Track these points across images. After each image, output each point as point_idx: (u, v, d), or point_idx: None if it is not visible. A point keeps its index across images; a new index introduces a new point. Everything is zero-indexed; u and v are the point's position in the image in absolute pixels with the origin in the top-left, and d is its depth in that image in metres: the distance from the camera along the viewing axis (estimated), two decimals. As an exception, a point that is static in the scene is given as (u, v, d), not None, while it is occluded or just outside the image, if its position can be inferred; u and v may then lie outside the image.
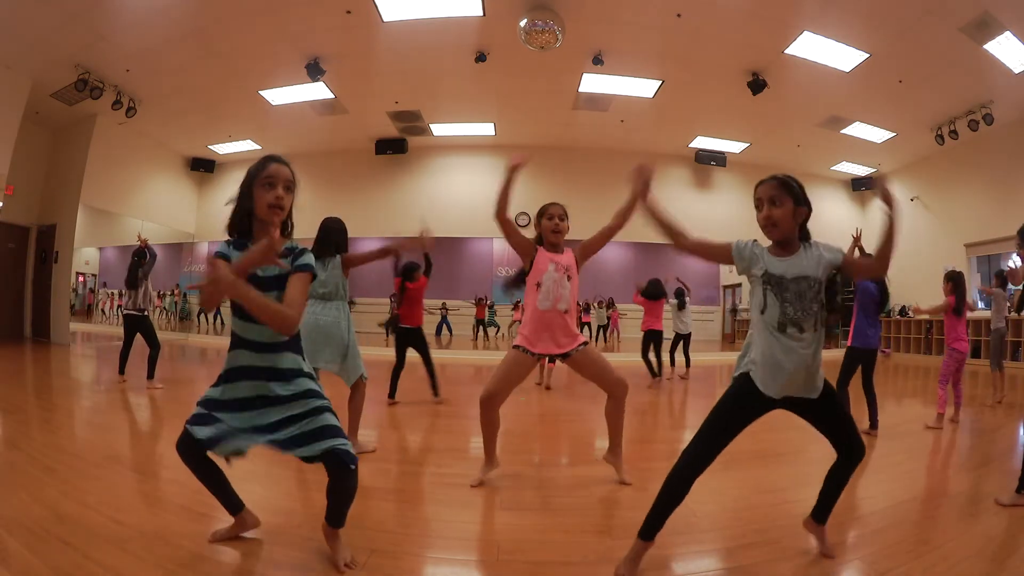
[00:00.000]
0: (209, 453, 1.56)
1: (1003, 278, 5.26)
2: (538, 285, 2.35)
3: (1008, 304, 5.16)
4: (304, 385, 1.57)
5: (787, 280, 1.54)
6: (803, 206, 1.58)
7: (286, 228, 1.59)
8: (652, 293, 5.98)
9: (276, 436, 1.52)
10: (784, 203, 1.55)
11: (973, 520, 2.06)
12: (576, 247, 2.49)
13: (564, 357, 2.36)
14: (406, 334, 4.64)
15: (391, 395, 4.48)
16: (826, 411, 1.61)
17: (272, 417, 1.52)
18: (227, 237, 1.58)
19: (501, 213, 2.39)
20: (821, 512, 1.70)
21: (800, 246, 1.59)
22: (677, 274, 6.68)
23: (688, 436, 1.66)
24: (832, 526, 1.97)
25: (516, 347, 2.36)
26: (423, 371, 4.71)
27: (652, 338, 5.91)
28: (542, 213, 2.51)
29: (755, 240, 1.63)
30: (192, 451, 1.55)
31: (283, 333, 1.48)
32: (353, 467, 1.49)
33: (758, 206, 1.60)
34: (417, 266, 4.71)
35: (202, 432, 1.52)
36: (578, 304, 2.51)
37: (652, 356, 5.94)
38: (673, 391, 5.75)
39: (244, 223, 1.55)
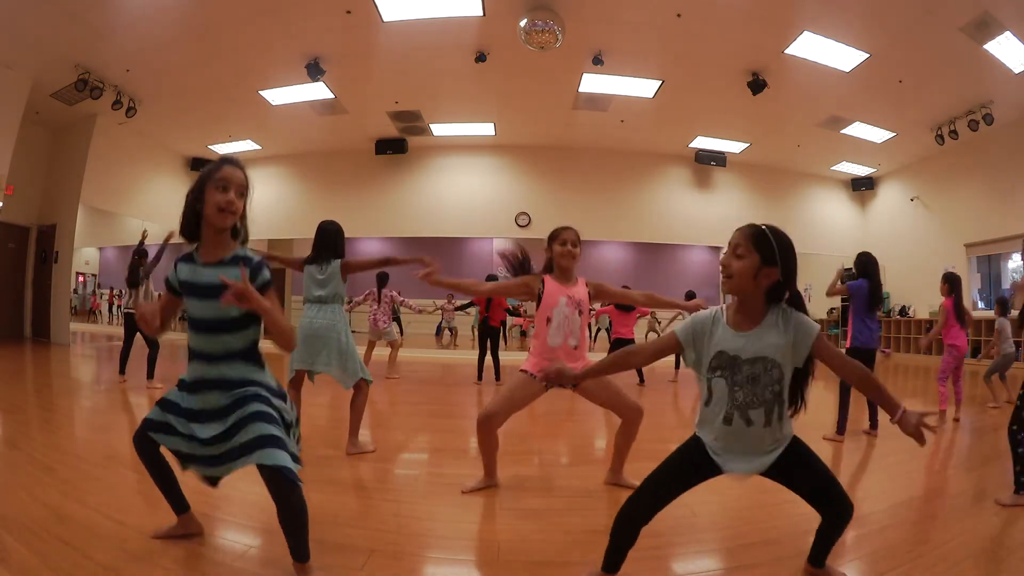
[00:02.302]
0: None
1: (1004, 305, 5.20)
2: (548, 320, 2.28)
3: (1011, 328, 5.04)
4: (248, 391, 1.47)
5: (740, 361, 1.37)
6: (772, 267, 1.36)
7: (237, 234, 1.55)
8: (627, 304, 5.84)
9: (210, 451, 1.47)
10: (747, 256, 1.37)
11: (973, 520, 2.06)
12: (593, 284, 2.42)
13: (574, 385, 2.28)
14: (489, 330, 5.87)
15: (479, 378, 5.82)
16: (793, 474, 1.43)
17: (212, 431, 1.47)
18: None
19: (478, 293, 2.37)
20: (817, 559, 1.57)
21: (765, 316, 1.39)
22: (676, 273, 6.67)
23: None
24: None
25: (524, 371, 2.30)
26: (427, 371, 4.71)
27: (624, 346, 5.81)
28: (554, 237, 2.41)
29: (720, 308, 1.47)
30: (145, 447, 1.58)
31: (287, 350, 1.54)
32: (292, 481, 1.37)
33: (727, 251, 1.45)
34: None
35: (153, 422, 1.56)
36: (588, 336, 2.45)
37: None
38: (678, 394, 5.75)
39: (192, 224, 1.51)
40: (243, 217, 1.55)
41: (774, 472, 1.43)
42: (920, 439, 1.30)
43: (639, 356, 1.59)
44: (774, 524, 1.88)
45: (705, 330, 1.43)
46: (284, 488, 1.37)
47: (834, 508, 1.42)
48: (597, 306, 8.70)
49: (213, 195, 1.46)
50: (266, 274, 1.49)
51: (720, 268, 1.46)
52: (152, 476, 1.62)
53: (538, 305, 2.33)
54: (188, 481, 1.94)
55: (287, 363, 2.91)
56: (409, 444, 3.37)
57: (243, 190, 1.51)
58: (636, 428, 2.36)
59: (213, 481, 1.56)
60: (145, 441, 1.57)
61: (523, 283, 2.38)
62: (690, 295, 6.61)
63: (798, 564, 1.66)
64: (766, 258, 1.36)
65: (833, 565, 1.65)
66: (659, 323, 8.58)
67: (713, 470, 1.44)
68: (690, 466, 1.46)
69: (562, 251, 2.35)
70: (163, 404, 1.56)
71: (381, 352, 6.30)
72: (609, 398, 2.34)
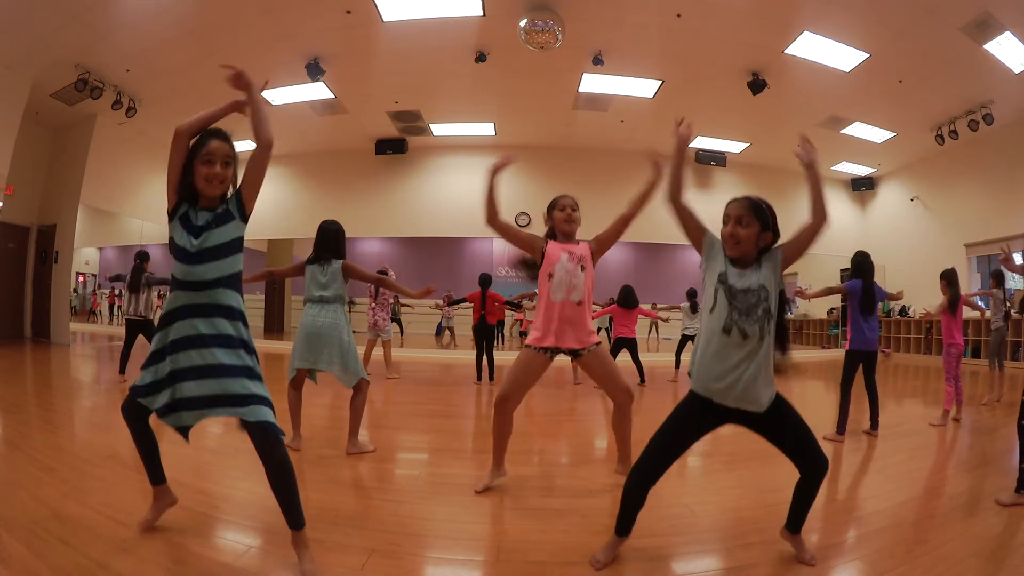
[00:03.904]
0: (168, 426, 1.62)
1: (999, 277, 5.32)
2: (550, 276, 2.28)
3: (1008, 304, 5.18)
4: (242, 333, 1.59)
5: (736, 290, 1.59)
6: (769, 231, 1.63)
7: (225, 199, 1.66)
8: (629, 302, 5.82)
9: (207, 390, 1.52)
10: (751, 225, 1.61)
11: (973, 520, 2.06)
12: (592, 240, 2.44)
13: (575, 356, 2.31)
14: (485, 330, 5.90)
15: (479, 378, 5.84)
16: (776, 426, 1.61)
17: (210, 359, 1.53)
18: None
19: (493, 218, 2.35)
20: (794, 523, 1.70)
21: (755, 263, 1.63)
22: (677, 273, 6.70)
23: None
24: (832, 526, 1.98)
25: (527, 347, 2.31)
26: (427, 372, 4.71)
27: (625, 345, 5.83)
28: (553, 206, 2.45)
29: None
30: (134, 410, 1.65)
31: (267, 141, 1.65)
32: (276, 436, 1.50)
33: (725, 221, 1.64)
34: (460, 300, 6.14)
35: (142, 383, 1.61)
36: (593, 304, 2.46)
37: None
38: (678, 394, 5.75)
39: (187, 193, 1.63)
40: (235, 183, 1.68)
41: (763, 427, 1.61)
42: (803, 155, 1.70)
43: (683, 202, 1.74)
44: (774, 524, 1.88)
45: (718, 250, 1.66)
46: (270, 442, 1.50)
47: (811, 460, 1.61)
48: (598, 307, 8.71)
49: (200, 168, 1.59)
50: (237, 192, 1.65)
51: (726, 238, 1.62)
52: (137, 445, 1.72)
53: (539, 266, 2.34)
54: (189, 481, 1.94)
55: (287, 365, 2.91)
56: (409, 444, 3.36)
57: (228, 160, 1.63)
58: (629, 412, 2.38)
59: (185, 431, 1.62)
60: (133, 409, 1.65)
61: (530, 237, 2.41)
62: (691, 293, 6.62)
63: (798, 564, 1.66)
64: (764, 224, 1.62)
65: (833, 564, 1.65)
66: (659, 323, 8.59)
67: (712, 419, 1.61)
68: (690, 419, 1.63)
69: (562, 216, 2.41)
70: (148, 360, 1.63)
71: (380, 352, 6.29)
72: (604, 375, 2.35)
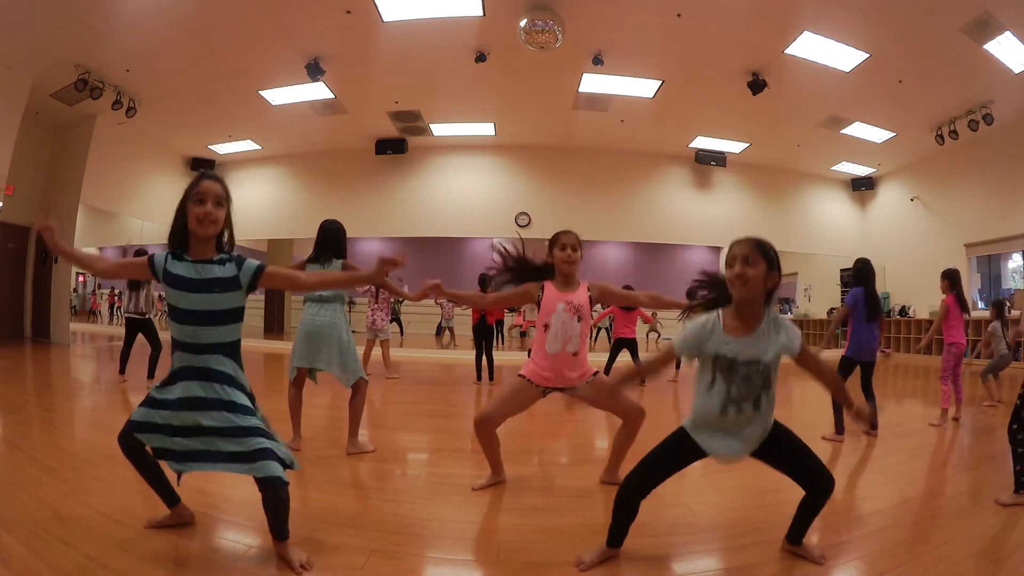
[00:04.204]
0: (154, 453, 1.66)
1: (1000, 308, 5.23)
2: (546, 327, 2.26)
3: (1007, 334, 5.07)
4: (238, 398, 1.60)
5: (738, 363, 1.55)
6: (775, 272, 1.57)
7: (221, 243, 1.67)
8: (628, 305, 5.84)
9: (208, 446, 1.56)
10: (757, 264, 1.56)
11: (973, 520, 2.06)
12: (596, 287, 2.37)
13: (574, 391, 2.29)
14: (485, 330, 5.83)
15: (478, 378, 5.77)
16: (780, 454, 1.62)
17: (204, 420, 1.56)
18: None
19: (481, 304, 2.35)
20: (795, 534, 1.70)
21: (761, 323, 1.57)
22: (677, 273, 6.69)
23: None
24: (832, 526, 1.98)
25: (522, 376, 2.30)
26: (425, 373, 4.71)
27: (625, 345, 5.82)
28: (554, 242, 2.37)
29: (716, 314, 1.61)
30: (130, 446, 1.65)
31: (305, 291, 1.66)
32: (283, 487, 1.53)
33: (731, 263, 1.59)
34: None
35: (140, 419, 1.63)
36: (589, 339, 2.41)
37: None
38: (678, 394, 5.75)
39: (180, 237, 1.64)
40: (228, 225, 1.68)
41: (760, 453, 1.63)
42: (864, 422, 1.68)
43: (660, 361, 1.81)
44: (774, 524, 1.88)
45: (703, 337, 1.60)
46: (276, 493, 1.53)
47: (816, 482, 1.61)
48: (599, 308, 8.65)
49: (192, 209, 1.60)
50: (252, 263, 1.65)
51: (733, 280, 1.57)
52: (141, 473, 1.71)
53: (538, 310, 2.31)
54: (189, 482, 1.94)
55: (287, 364, 2.91)
56: (409, 444, 3.36)
57: (220, 200, 1.63)
58: (637, 430, 2.36)
59: (178, 475, 1.64)
60: (130, 440, 1.65)
61: (523, 292, 2.36)
62: (691, 293, 6.61)
63: (798, 564, 1.66)
64: (770, 264, 1.57)
65: (833, 564, 1.65)
66: (660, 323, 8.59)
67: (700, 453, 1.63)
68: (679, 452, 1.65)
69: (562, 256, 2.32)
70: (147, 402, 1.64)
71: (378, 351, 6.28)
72: (610, 403, 2.33)
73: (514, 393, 2.30)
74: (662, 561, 1.72)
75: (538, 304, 2.31)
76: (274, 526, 1.57)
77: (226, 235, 1.68)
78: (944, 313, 4.19)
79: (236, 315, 1.64)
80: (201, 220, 1.60)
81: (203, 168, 11.81)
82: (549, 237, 2.43)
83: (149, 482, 1.73)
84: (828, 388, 1.79)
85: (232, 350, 1.64)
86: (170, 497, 1.76)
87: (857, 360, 3.62)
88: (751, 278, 1.55)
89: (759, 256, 1.56)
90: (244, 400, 1.62)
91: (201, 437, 1.57)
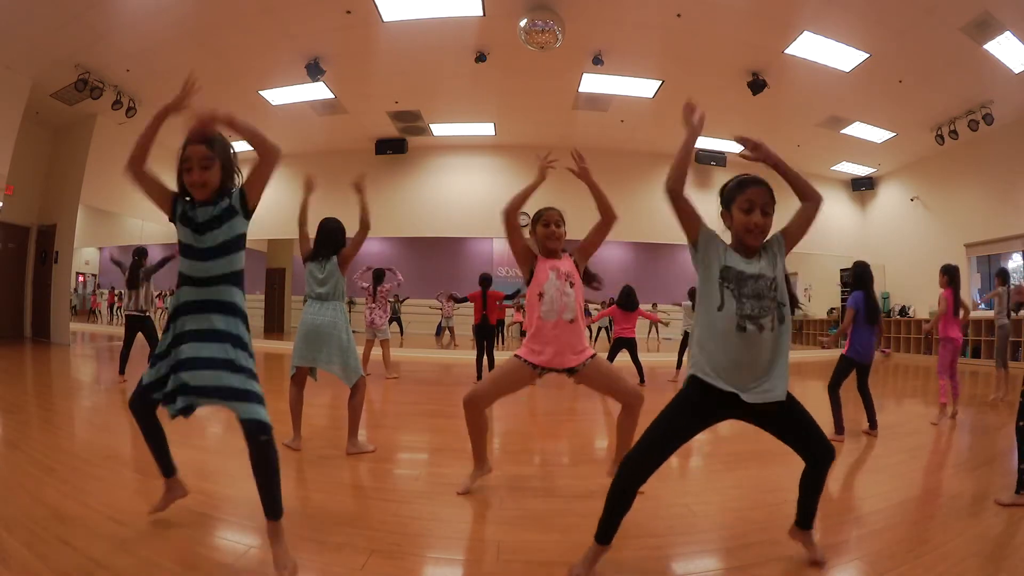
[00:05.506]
0: (159, 413, 1.70)
1: (1005, 276, 5.33)
2: (540, 296, 2.24)
3: (1010, 301, 5.19)
4: (243, 334, 1.62)
5: (746, 276, 1.52)
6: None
7: (229, 190, 1.69)
8: (629, 304, 5.81)
9: (205, 381, 1.55)
10: (772, 213, 1.57)
11: (973, 520, 2.06)
12: (574, 251, 2.39)
13: (571, 372, 2.26)
14: (486, 330, 5.87)
15: (479, 378, 5.66)
16: (788, 421, 1.56)
17: (206, 352, 1.57)
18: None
19: (513, 213, 2.28)
20: (804, 518, 1.66)
21: (756, 252, 1.59)
22: (677, 273, 6.68)
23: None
24: (832, 526, 1.98)
25: (517, 357, 2.26)
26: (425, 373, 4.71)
27: (624, 345, 5.82)
28: (537, 218, 2.38)
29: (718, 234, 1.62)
30: (142, 405, 1.70)
31: (273, 158, 1.71)
32: (269, 434, 1.53)
33: (748, 208, 1.55)
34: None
35: (150, 376, 1.67)
36: (585, 312, 2.41)
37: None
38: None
39: (184, 191, 1.69)
40: (229, 174, 1.70)
41: (772, 419, 1.54)
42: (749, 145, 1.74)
43: (682, 192, 1.73)
44: (774, 524, 1.88)
45: (717, 241, 1.60)
46: (262, 439, 1.52)
47: (818, 449, 1.57)
48: (600, 308, 8.64)
49: (184, 176, 1.66)
50: (235, 190, 1.68)
51: (752, 228, 1.55)
52: (146, 437, 1.77)
53: (529, 282, 2.30)
54: (189, 481, 1.94)
55: (288, 364, 2.91)
56: (409, 444, 3.36)
57: (206, 162, 1.64)
58: (637, 413, 2.32)
59: (187, 411, 1.63)
60: (140, 403, 1.70)
61: (526, 250, 2.35)
62: (693, 292, 6.62)
63: (798, 564, 1.66)
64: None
65: (833, 564, 1.65)
66: (662, 324, 8.55)
67: (711, 413, 1.52)
68: (688, 413, 1.53)
69: (545, 232, 2.34)
70: (152, 360, 1.69)
71: (377, 351, 6.28)
72: (608, 385, 2.31)
73: (507, 373, 2.25)
74: (662, 561, 1.72)
75: (529, 280, 2.30)
76: (265, 495, 1.52)
77: (237, 180, 1.71)
78: (944, 307, 4.22)
79: (241, 242, 1.67)
80: (192, 186, 1.63)
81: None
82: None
83: (152, 448, 1.78)
84: (794, 184, 1.70)
85: (238, 279, 1.67)
86: (167, 468, 1.81)
87: (857, 362, 3.64)
88: (767, 227, 1.55)
89: (773, 205, 1.56)
90: (247, 337, 1.63)
91: (197, 371, 1.56)
